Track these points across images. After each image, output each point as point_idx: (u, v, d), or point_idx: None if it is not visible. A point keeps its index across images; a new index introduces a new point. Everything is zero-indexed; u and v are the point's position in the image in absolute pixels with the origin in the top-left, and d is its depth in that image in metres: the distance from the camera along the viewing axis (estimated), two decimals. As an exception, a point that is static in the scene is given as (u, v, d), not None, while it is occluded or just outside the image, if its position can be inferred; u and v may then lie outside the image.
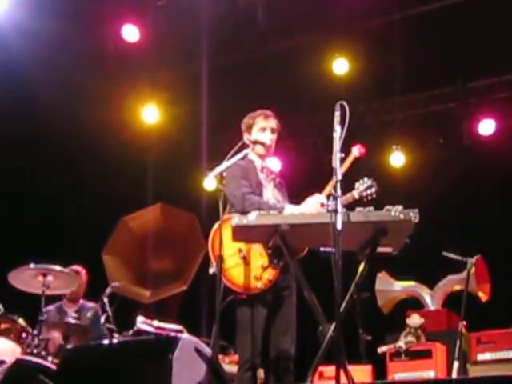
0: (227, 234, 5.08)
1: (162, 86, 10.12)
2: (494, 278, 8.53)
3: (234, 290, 5.16)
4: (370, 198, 5.34)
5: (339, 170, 4.72)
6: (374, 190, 5.35)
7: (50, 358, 6.30)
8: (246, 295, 5.15)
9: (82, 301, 7.84)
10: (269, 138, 5.50)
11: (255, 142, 5.46)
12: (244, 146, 5.40)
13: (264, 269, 5.15)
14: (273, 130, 5.54)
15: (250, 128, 5.53)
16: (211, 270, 5.20)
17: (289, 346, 5.21)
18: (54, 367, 5.92)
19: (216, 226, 5.30)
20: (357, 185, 5.36)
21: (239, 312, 5.21)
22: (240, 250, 5.17)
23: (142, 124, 10.20)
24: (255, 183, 5.41)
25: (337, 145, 4.72)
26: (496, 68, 9.30)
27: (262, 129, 5.50)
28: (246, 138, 5.52)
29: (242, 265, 5.16)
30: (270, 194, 5.47)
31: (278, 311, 5.24)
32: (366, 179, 5.38)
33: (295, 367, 5.23)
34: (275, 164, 9.85)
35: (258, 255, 5.19)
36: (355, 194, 5.31)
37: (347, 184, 5.04)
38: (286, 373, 5.17)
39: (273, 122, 5.54)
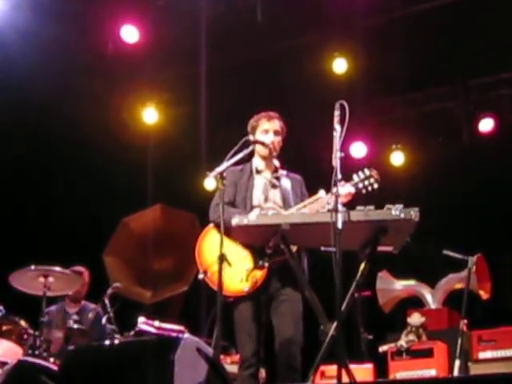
0: (211, 240, 5.20)
1: (162, 87, 10.12)
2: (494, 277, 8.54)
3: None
4: (369, 188, 5.22)
5: (339, 170, 4.72)
6: (372, 180, 5.23)
7: (51, 359, 6.31)
8: (234, 298, 5.14)
9: (83, 302, 7.85)
10: (270, 139, 5.44)
11: (256, 142, 5.44)
12: (244, 146, 5.39)
13: (249, 271, 5.13)
14: (276, 132, 5.48)
15: (254, 130, 5.50)
16: (200, 276, 5.19)
17: (290, 344, 5.12)
18: (55, 368, 5.93)
19: (202, 233, 5.38)
20: (354, 177, 5.25)
21: (234, 312, 5.22)
22: (223, 255, 5.12)
23: (142, 125, 10.18)
24: (244, 186, 5.41)
25: (337, 144, 4.73)
26: (496, 66, 9.30)
27: (264, 131, 5.47)
28: (250, 137, 5.45)
29: (227, 269, 5.10)
30: (260, 194, 5.40)
31: (277, 311, 5.20)
32: (365, 170, 5.26)
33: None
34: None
35: (243, 258, 5.17)
36: (350, 186, 5.18)
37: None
38: (291, 372, 5.10)
39: (277, 125, 5.48)
